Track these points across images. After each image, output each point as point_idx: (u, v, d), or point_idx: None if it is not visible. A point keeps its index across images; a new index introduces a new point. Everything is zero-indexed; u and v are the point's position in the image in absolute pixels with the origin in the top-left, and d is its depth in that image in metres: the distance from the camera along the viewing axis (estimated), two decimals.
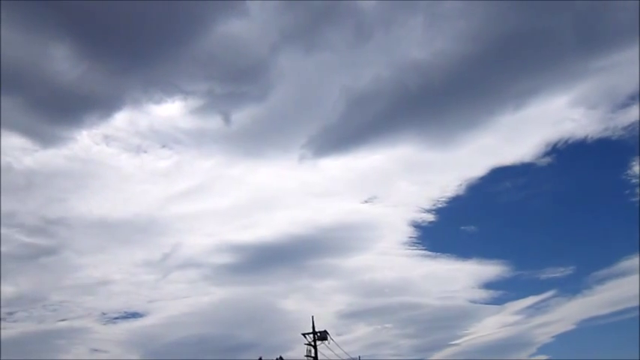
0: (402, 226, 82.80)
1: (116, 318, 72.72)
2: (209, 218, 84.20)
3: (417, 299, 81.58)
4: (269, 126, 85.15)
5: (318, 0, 76.16)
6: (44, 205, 75.87)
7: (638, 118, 73.38)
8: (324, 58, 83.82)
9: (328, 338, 38.60)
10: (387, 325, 79.41)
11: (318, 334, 38.43)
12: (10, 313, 68.10)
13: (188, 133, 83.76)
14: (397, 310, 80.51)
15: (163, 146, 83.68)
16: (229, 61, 77.25)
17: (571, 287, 79.33)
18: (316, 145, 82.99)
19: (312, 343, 38.19)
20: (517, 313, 79.20)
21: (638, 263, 69.50)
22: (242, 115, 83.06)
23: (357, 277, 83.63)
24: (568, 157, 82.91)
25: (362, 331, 78.47)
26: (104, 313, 72.07)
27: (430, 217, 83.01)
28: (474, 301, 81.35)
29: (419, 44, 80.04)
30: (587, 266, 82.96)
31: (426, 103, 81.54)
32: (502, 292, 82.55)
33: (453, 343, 78.61)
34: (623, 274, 73.06)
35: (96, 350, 69.57)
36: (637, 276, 67.39)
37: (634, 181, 75.84)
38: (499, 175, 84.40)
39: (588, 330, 77.48)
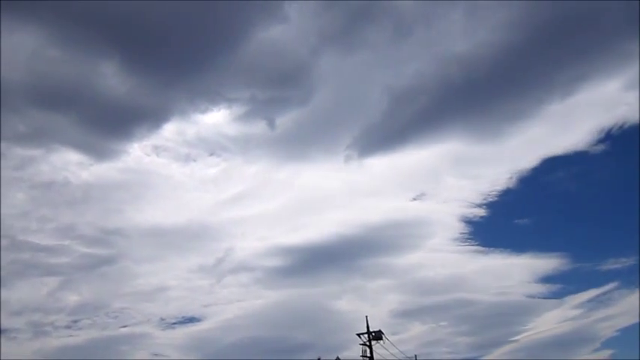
0: (453, 222, 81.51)
1: (174, 323, 74.72)
2: (259, 222, 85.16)
3: (472, 296, 79.85)
4: (313, 128, 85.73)
5: (355, 0, 76.19)
6: (102, 217, 79.16)
7: None
8: (364, 58, 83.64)
9: (383, 338, 38.51)
10: (441, 323, 78.17)
11: (373, 333, 38.32)
12: (75, 321, 70.92)
13: (234, 140, 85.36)
14: (451, 307, 79.08)
15: (211, 154, 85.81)
16: (271, 66, 77.97)
17: (634, 278, 75.94)
18: (361, 145, 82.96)
19: (367, 343, 38.16)
20: (578, 306, 76.75)
21: None
22: (286, 120, 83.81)
23: (409, 276, 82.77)
24: (623, 142, 79.34)
25: (416, 329, 77.68)
26: (163, 319, 74.20)
27: (481, 212, 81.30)
28: (531, 296, 79.36)
29: (460, 36, 78.79)
30: None
31: (471, 96, 79.77)
32: (561, 285, 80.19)
33: (512, 339, 76.88)
34: None
35: (157, 355, 71.76)
36: None
37: None
38: (551, 165, 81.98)
39: None
